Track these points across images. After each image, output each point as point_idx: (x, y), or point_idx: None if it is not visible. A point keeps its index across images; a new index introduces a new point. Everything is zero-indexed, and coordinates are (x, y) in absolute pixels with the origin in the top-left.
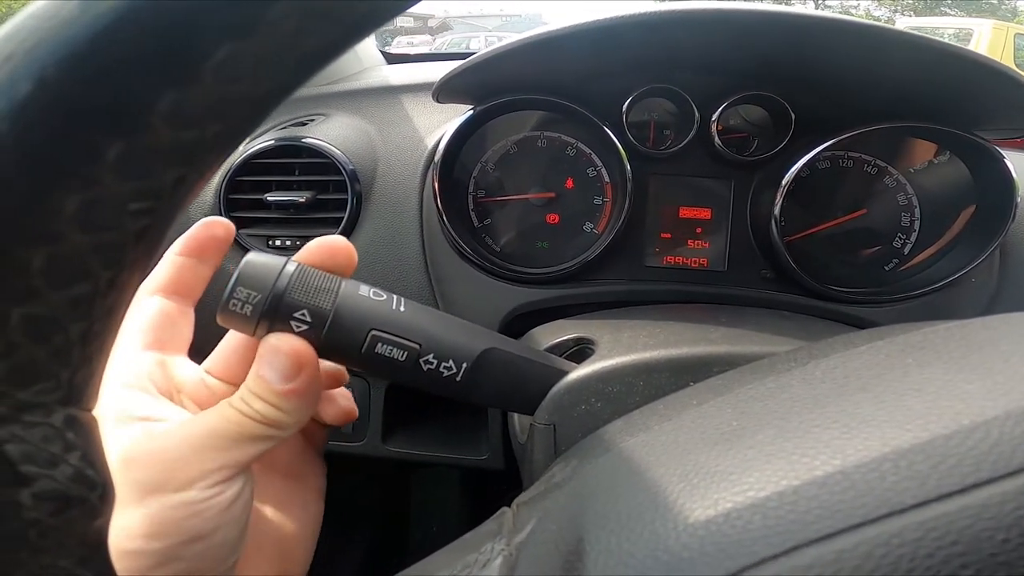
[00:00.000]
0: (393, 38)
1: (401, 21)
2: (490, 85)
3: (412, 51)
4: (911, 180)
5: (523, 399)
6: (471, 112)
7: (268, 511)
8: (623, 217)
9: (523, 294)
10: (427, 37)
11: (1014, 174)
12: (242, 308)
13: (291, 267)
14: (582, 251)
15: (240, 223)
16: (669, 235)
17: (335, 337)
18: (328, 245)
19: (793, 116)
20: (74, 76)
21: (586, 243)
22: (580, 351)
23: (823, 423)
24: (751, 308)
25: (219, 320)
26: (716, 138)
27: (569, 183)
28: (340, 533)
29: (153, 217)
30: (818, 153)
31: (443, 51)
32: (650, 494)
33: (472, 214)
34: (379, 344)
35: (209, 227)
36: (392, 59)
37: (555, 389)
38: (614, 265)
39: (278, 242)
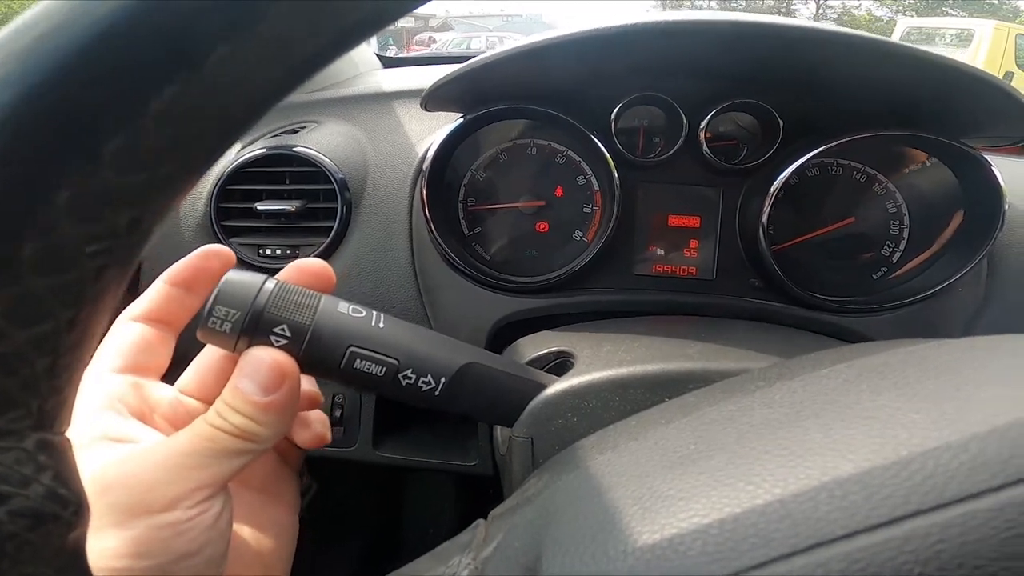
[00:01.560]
0: (414, 36)
1: (402, 21)
2: (479, 93)
3: (430, 50)
4: (900, 188)
5: (502, 412)
6: (460, 121)
7: (246, 527)
8: (611, 226)
9: (511, 304)
10: (453, 34)
11: (1001, 182)
12: (221, 326)
13: (270, 284)
14: (571, 260)
15: (231, 232)
16: (658, 243)
17: (314, 352)
18: (307, 266)
19: (781, 124)
20: (21, 126)
21: (575, 252)
22: (561, 364)
23: (773, 450)
24: (735, 321)
25: (199, 336)
26: (704, 146)
27: (559, 191)
28: (334, 536)
29: (110, 258)
30: (806, 161)
31: (444, 52)
32: (606, 516)
33: (462, 222)
34: (357, 360)
35: (205, 258)
36: (388, 63)
37: (533, 403)
38: (603, 274)
39: (268, 251)
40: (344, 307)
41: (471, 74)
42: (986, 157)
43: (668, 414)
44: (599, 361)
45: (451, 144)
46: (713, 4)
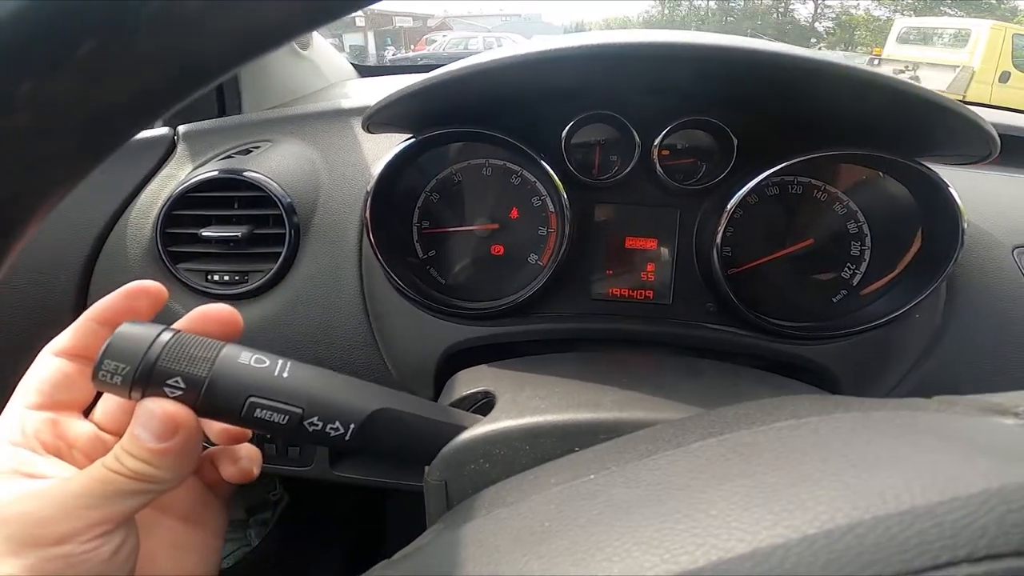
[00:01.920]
0: (420, 36)
1: (400, 22)
2: (425, 115)
3: (427, 50)
4: (862, 208)
5: (417, 456)
6: (404, 144)
7: (163, 555)
8: (563, 249)
9: (461, 331)
10: (467, 32)
11: (959, 202)
12: (111, 379)
13: (165, 336)
14: (526, 284)
15: (177, 257)
16: (614, 266)
17: (211, 402)
18: (212, 313)
19: (736, 142)
20: None
21: (531, 276)
22: (487, 404)
23: (609, 539)
24: (673, 359)
25: (93, 386)
26: (658, 166)
27: (514, 213)
28: (314, 545)
29: None
30: (762, 180)
31: (442, 52)
32: None
33: (417, 245)
34: (258, 409)
35: (130, 297)
36: (364, 72)
37: (445, 449)
38: (559, 298)
39: (216, 277)
40: (246, 357)
41: (414, 96)
42: (943, 178)
43: (560, 474)
44: (515, 407)
45: (397, 166)
46: (711, 4)
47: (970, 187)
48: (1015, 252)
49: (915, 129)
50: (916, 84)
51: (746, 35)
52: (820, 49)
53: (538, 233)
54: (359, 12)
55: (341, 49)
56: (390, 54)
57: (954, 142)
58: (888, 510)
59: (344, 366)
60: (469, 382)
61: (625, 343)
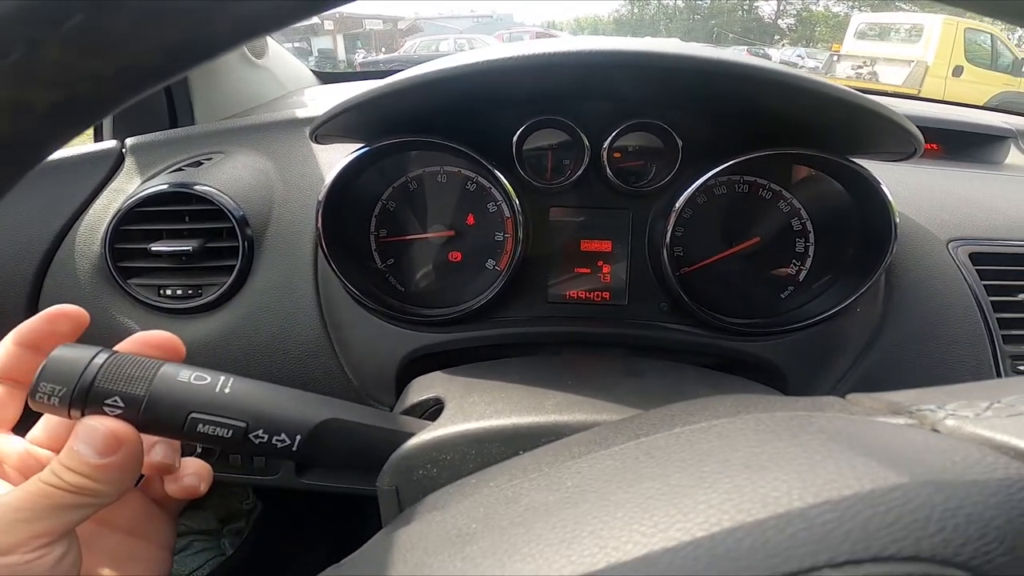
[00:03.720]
0: (392, 38)
1: (370, 24)
2: (375, 124)
3: (398, 53)
4: (805, 206)
5: (369, 464)
6: (354, 155)
7: (108, 567)
8: (518, 253)
9: (420, 338)
10: (422, 37)
11: (889, 197)
12: (49, 400)
13: (101, 358)
14: (484, 289)
15: (128, 273)
16: (571, 269)
17: (152, 419)
18: (150, 339)
19: (680, 144)
20: None
21: (488, 281)
22: (439, 410)
23: (527, 540)
24: (620, 361)
25: (31, 407)
26: (608, 168)
27: (470, 219)
28: (293, 550)
29: None
30: (706, 181)
31: (412, 54)
32: None
33: (375, 254)
34: (200, 424)
35: (50, 321)
36: (326, 78)
37: (393, 456)
38: (517, 302)
39: (169, 291)
40: (186, 375)
41: (361, 106)
42: (874, 175)
43: (498, 477)
44: (461, 413)
45: (348, 176)
46: (679, 3)
47: (908, 182)
48: (950, 245)
49: (844, 129)
50: (836, 85)
51: (712, 33)
52: (783, 46)
53: (494, 238)
54: (328, 15)
55: (310, 53)
56: (360, 57)
57: (880, 141)
58: (768, 512)
59: (302, 376)
60: (420, 389)
61: (583, 345)
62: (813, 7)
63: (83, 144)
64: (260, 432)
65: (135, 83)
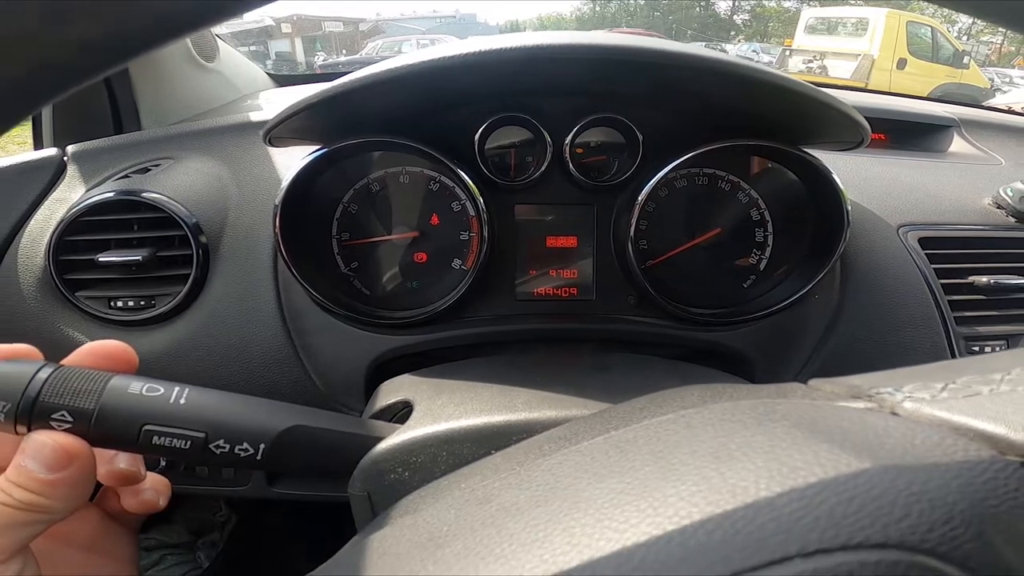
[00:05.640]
0: (353, 41)
1: (330, 27)
2: (332, 125)
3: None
4: (763, 196)
5: (338, 470)
6: (311, 157)
7: None
8: (485, 252)
9: (388, 341)
10: (400, 36)
11: (840, 186)
12: None
13: (44, 372)
14: (452, 289)
15: (76, 285)
16: (537, 266)
17: (104, 433)
18: (100, 350)
19: (640, 138)
20: None
21: (456, 280)
22: (408, 413)
23: (499, 541)
24: (588, 356)
25: None
26: (570, 164)
27: (435, 219)
28: (270, 560)
29: None
30: (666, 174)
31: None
32: None
33: (338, 258)
34: (155, 436)
35: None
36: (282, 81)
37: (363, 461)
38: (485, 301)
39: (120, 303)
40: (137, 386)
41: (313, 107)
42: (825, 164)
43: (469, 479)
44: (431, 415)
45: (306, 179)
46: (640, 0)
47: (859, 172)
48: (900, 231)
49: (797, 120)
50: (791, 78)
51: (671, 28)
52: (739, 42)
53: (460, 238)
54: (284, 19)
55: (267, 56)
56: (320, 59)
57: (830, 131)
58: (736, 503)
59: (267, 386)
60: (389, 393)
61: (553, 341)
62: (766, 3)
63: (21, 153)
64: (221, 442)
65: (48, 85)
